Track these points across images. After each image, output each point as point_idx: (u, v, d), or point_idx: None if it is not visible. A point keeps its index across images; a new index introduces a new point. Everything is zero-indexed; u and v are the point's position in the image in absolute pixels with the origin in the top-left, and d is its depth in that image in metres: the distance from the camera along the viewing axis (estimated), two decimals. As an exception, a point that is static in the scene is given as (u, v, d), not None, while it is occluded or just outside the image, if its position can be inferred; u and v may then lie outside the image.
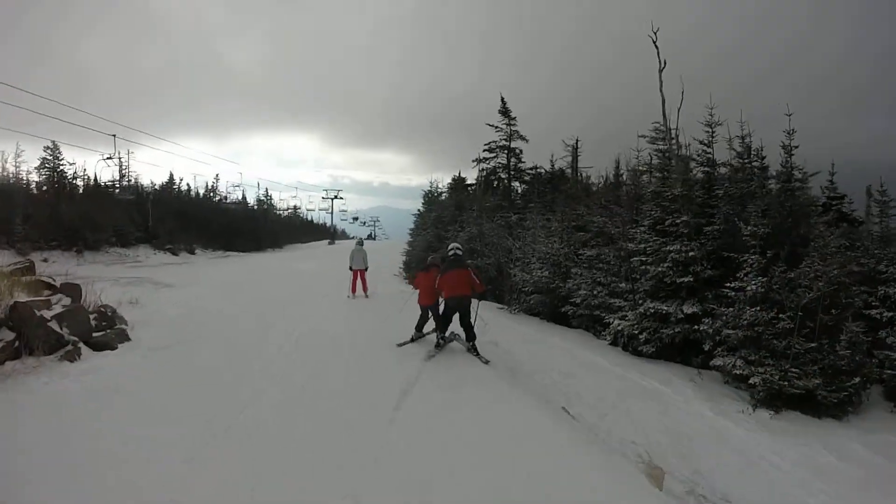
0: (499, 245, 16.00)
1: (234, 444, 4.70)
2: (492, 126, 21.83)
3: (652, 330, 9.25)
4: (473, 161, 22.21)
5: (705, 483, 5.33)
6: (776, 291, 7.90)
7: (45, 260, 22.30)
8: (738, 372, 7.83)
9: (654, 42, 11.82)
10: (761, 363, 7.72)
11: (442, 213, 21.07)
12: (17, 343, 6.59)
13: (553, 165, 20.38)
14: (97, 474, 4.02)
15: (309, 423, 5.20)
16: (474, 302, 8.20)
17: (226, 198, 43.07)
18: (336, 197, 56.86)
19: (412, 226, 25.38)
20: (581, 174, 18.62)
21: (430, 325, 8.83)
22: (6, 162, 27.68)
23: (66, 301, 8.05)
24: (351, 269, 14.65)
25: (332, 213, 57.03)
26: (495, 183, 22.23)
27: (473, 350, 8.02)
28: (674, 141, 10.75)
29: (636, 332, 9.29)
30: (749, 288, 7.96)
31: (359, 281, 14.61)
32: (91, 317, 8.19)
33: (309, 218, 62.78)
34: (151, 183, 36.53)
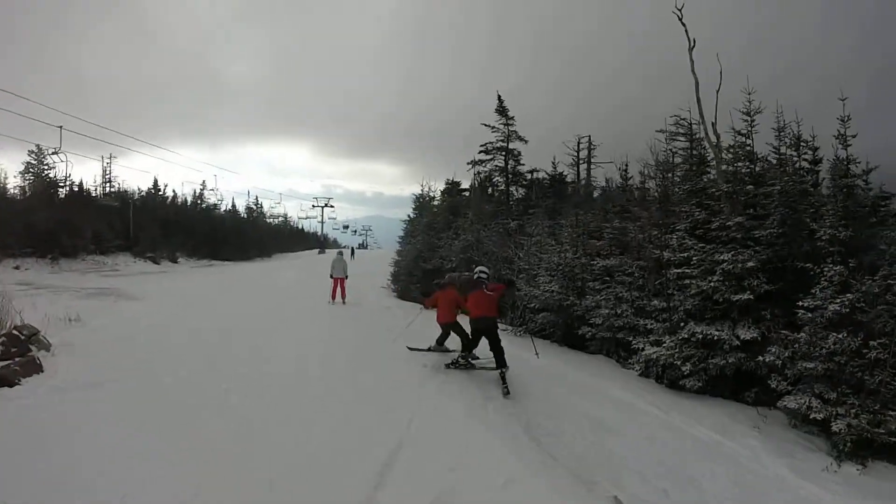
0: (499, 255, 14.18)
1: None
2: (488, 126, 19.99)
3: (696, 359, 7.45)
4: (468, 163, 20.39)
5: None
6: (863, 311, 6.17)
7: (17, 267, 21.26)
8: (816, 416, 6.05)
9: (681, 19, 10.10)
10: (840, 402, 6.01)
11: (434, 218, 19.15)
12: None
13: (555, 167, 18.61)
14: None
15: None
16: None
17: (215, 206, 41.18)
18: (326, 205, 55.59)
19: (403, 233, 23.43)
20: (591, 177, 16.86)
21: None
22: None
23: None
24: (332, 276, 15.15)
25: (322, 221, 56.09)
26: (489, 190, 20.34)
27: (502, 378, 7.11)
28: (711, 128, 8.99)
29: (676, 361, 7.47)
30: (830, 307, 6.20)
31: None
32: (-7, 341, 6.32)
33: (300, 227, 60.90)
34: (138, 189, 34.57)
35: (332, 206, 56.15)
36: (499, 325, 7.66)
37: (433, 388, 6.88)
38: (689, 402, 7.15)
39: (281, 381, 6.65)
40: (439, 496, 3.82)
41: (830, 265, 6.43)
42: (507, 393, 6.82)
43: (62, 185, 28.93)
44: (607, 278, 9.88)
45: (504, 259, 14.08)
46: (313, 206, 55.83)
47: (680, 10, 10.18)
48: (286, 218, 57.46)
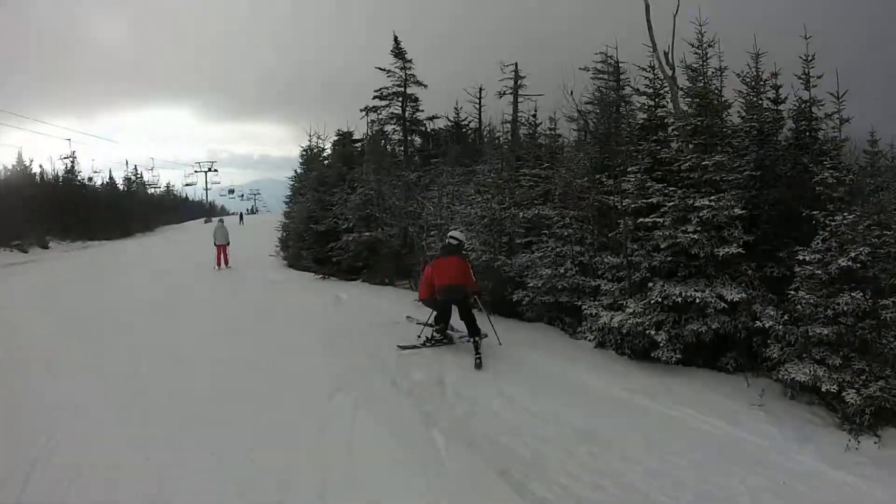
0: (404, 209, 12.23)
1: None
2: (383, 70, 17.50)
3: (670, 326, 6.22)
4: (361, 110, 17.82)
5: None
6: (872, 266, 5.27)
7: None
8: (828, 388, 5.08)
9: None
10: (843, 369, 5.16)
11: (325, 172, 16.40)
12: None
13: (458, 114, 16.85)
14: None
15: None
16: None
17: (89, 179, 37.12)
18: (210, 170, 52.22)
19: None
20: (518, 111, 15.10)
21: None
22: None
23: None
24: (215, 244, 16.21)
25: (207, 188, 52.92)
26: (383, 143, 18.01)
27: (476, 349, 6.60)
28: (665, 59, 7.69)
29: (647, 329, 6.17)
30: (840, 262, 5.18)
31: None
32: None
33: (184, 195, 57.57)
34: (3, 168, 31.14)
35: (215, 171, 52.63)
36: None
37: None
38: (669, 381, 5.89)
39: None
40: None
41: (838, 213, 5.40)
42: (479, 365, 6.35)
43: None
44: (545, 232, 8.36)
45: (409, 214, 12.16)
46: (196, 171, 52.43)
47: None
48: (169, 188, 53.40)
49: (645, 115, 8.03)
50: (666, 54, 7.83)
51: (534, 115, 12.23)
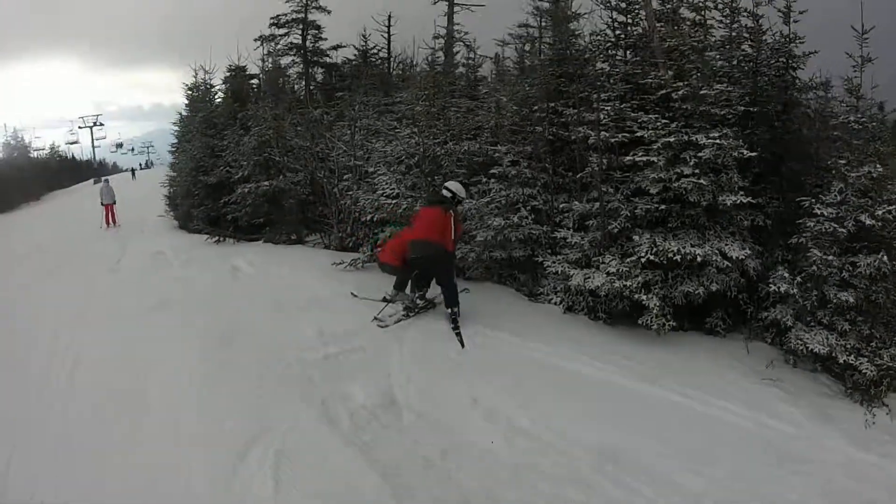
0: (310, 150, 10.26)
1: None
2: (278, -9, 14.90)
3: (658, 287, 5.28)
4: (256, 40, 15.00)
5: None
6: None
7: None
8: (846, 359, 4.46)
9: None
10: (858, 336, 4.67)
11: (213, 111, 12.92)
12: None
13: (366, 42, 14.72)
14: None
15: None
16: None
17: None
18: (95, 124, 46.68)
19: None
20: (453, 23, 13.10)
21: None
22: None
23: None
24: (102, 204, 15.87)
25: (94, 145, 47.52)
26: (280, 79, 15.38)
27: (453, 322, 5.39)
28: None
29: (634, 293, 5.15)
30: (863, 219, 4.50)
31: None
32: None
33: (70, 156, 48.53)
34: None
35: (101, 125, 46.98)
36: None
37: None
38: (661, 353, 4.93)
39: None
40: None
41: (859, 165, 4.65)
42: (462, 343, 5.08)
43: None
44: (493, 172, 6.90)
45: (315, 156, 10.23)
46: (80, 126, 46.45)
47: None
48: (53, 149, 44.79)
49: (618, 32, 6.75)
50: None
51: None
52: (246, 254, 9.30)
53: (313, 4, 15.17)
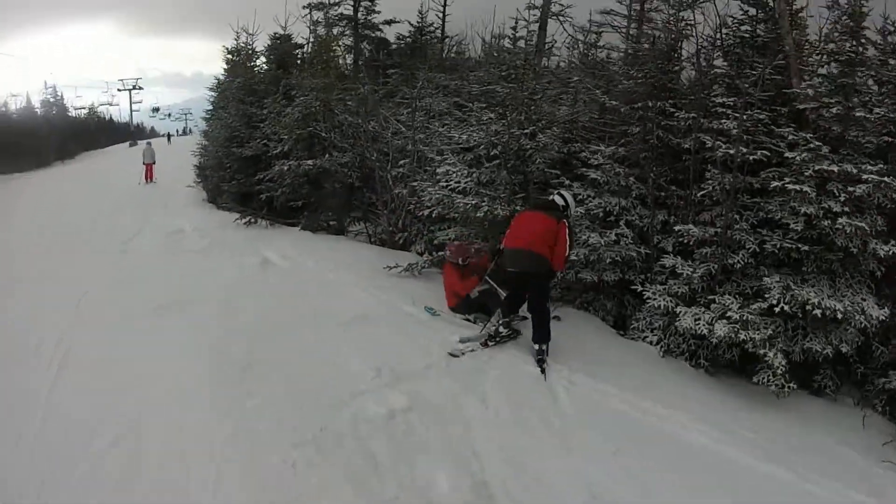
0: (362, 128, 9.37)
1: None
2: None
3: (784, 341, 4.47)
4: (304, 7, 14.06)
5: None
6: None
7: None
8: None
9: None
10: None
11: (253, 77, 11.84)
12: None
13: (423, 19, 13.67)
14: None
15: None
16: None
17: (4, 104, 33.16)
18: (135, 87, 45.94)
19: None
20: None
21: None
22: None
23: None
24: (143, 163, 18.56)
25: (132, 109, 47.39)
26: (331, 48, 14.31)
27: (538, 362, 4.41)
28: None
29: (758, 346, 4.30)
30: None
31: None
32: None
33: (108, 117, 50.09)
34: None
35: (140, 88, 46.39)
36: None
37: None
38: (779, 422, 4.26)
39: None
40: None
41: None
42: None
43: None
44: (582, 172, 5.87)
45: (367, 135, 9.31)
46: (119, 90, 45.89)
47: None
48: (92, 109, 46.25)
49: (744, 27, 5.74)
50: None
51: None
52: (279, 242, 8.42)
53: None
